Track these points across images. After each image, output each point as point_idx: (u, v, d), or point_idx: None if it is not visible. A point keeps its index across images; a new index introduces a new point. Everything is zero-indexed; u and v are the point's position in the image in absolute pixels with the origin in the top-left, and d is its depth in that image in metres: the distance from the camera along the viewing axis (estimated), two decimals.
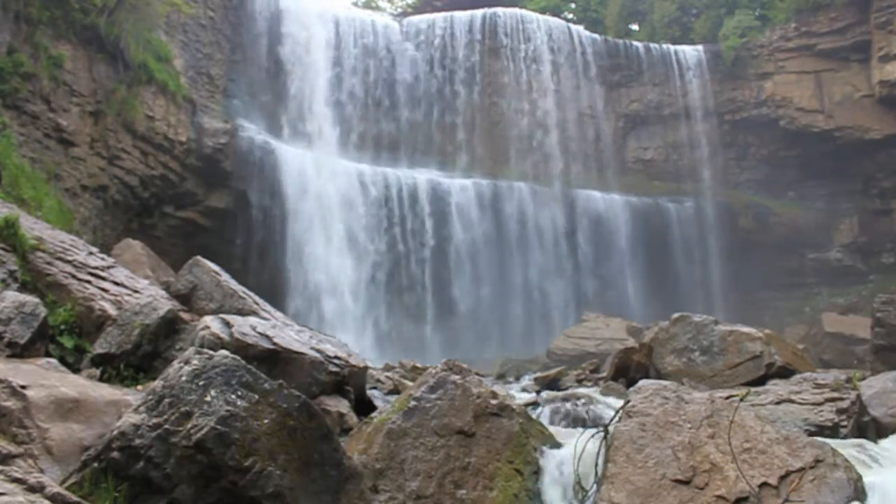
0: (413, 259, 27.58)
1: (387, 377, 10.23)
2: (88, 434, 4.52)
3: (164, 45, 22.79)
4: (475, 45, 31.96)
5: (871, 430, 6.22)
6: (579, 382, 11.94)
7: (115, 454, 4.00)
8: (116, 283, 7.86)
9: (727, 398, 5.65)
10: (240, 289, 8.05)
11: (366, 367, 7.30)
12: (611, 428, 5.32)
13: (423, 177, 28.74)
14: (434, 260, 27.74)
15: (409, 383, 8.21)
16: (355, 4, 44.88)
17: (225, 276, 8.16)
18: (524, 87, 32.01)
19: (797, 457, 4.86)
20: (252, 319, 6.79)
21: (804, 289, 31.74)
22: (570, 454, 5.35)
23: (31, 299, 6.27)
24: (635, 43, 34.49)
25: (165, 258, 16.61)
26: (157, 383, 4.30)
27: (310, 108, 28.01)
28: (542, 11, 36.61)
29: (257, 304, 7.97)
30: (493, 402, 5.50)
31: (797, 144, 32.57)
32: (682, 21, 36.98)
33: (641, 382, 5.72)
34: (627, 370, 10.56)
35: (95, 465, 4.01)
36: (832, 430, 6.73)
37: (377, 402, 7.21)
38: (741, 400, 5.39)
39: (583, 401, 7.80)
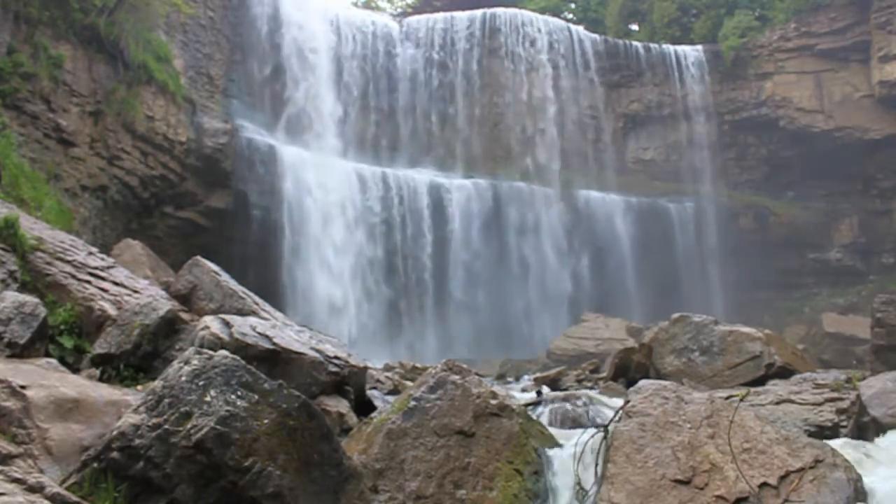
0: (412, 259, 27.59)
1: (386, 377, 10.23)
2: (88, 434, 4.52)
3: (163, 45, 22.78)
4: (475, 46, 31.97)
5: (871, 430, 6.21)
6: (579, 382, 11.95)
7: (114, 454, 4.00)
8: (116, 284, 7.86)
9: (727, 398, 5.65)
10: (239, 289, 8.06)
11: (365, 368, 7.30)
12: (611, 428, 5.32)
13: (422, 177, 28.74)
14: (433, 260, 27.74)
15: (409, 383, 8.21)
16: (355, 4, 44.90)
17: (225, 276, 8.16)
18: (524, 87, 32.00)
19: (797, 457, 4.86)
20: (252, 319, 6.79)
21: (804, 289, 31.75)
22: (569, 454, 5.35)
23: (30, 299, 6.27)
24: (635, 43, 34.48)
25: (165, 258, 16.61)
26: (157, 383, 4.30)
27: (309, 108, 28.01)
28: (542, 11, 36.62)
29: (257, 304, 7.98)
30: (493, 402, 5.50)
31: (797, 144, 32.58)
32: (682, 21, 36.98)
33: (641, 382, 5.72)
34: (627, 370, 10.58)
35: (95, 465, 4.01)
36: (832, 431, 6.74)
37: (377, 402, 7.21)
38: (741, 400, 5.39)
39: (583, 401, 7.81)
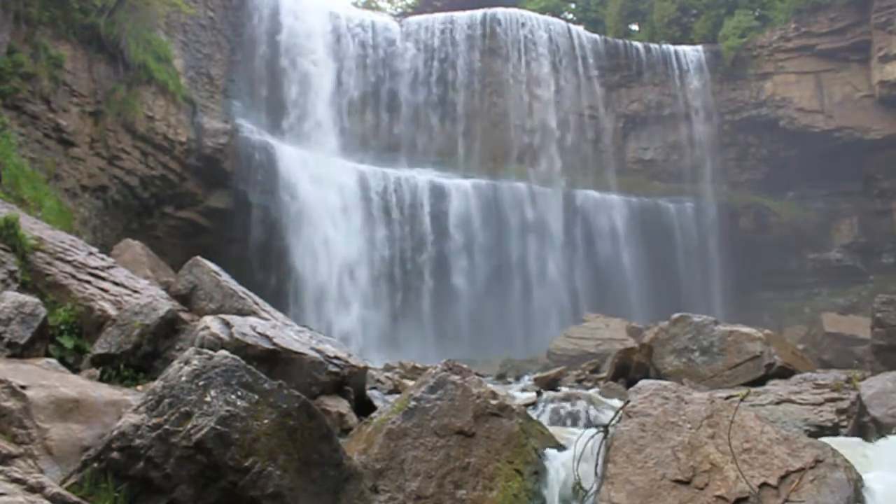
0: (413, 259, 27.60)
1: (387, 377, 10.24)
2: (88, 434, 4.52)
3: (163, 45, 22.78)
4: (475, 46, 31.98)
5: (872, 430, 6.22)
6: (579, 383, 11.96)
7: (114, 454, 4.00)
8: (116, 284, 7.86)
9: (727, 398, 5.65)
10: (239, 289, 8.05)
11: (366, 368, 7.30)
12: (611, 428, 5.32)
13: (423, 177, 28.76)
14: (434, 260, 27.76)
15: (409, 383, 8.20)
16: (355, 4, 44.90)
17: (225, 277, 8.16)
18: (524, 87, 32.01)
19: (797, 457, 4.86)
20: (252, 319, 6.79)
21: (804, 289, 31.76)
22: (570, 454, 5.35)
23: (31, 299, 6.27)
24: (635, 43, 34.49)
25: (165, 258, 16.62)
26: (157, 383, 4.29)
27: (310, 107, 28.01)
28: (542, 11, 36.64)
29: (257, 304, 7.97)
30: (493, 402, 5.50)
31: (797, 144, 32.57)
32: (682, 21, 36.99)
33: (641, 382, 5.72)
34: (627, 370, 10.58)
35: (95, 465, 4.01)
36: (832, 431, 6.74)
37: (377, 402, 7.21)
38: (741, 400, 5.39)
39: (583, 401, 7.81)
